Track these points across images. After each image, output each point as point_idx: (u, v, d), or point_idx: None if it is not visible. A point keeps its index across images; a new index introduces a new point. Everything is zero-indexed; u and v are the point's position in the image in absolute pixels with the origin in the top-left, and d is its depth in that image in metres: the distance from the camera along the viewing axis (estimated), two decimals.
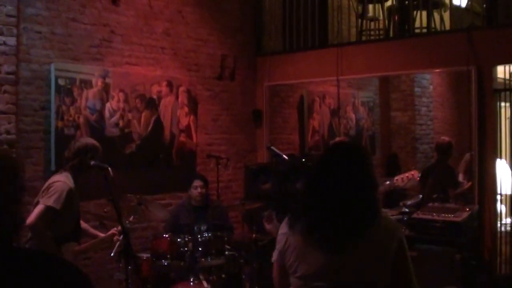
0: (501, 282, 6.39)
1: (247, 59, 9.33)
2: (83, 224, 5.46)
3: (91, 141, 5.25)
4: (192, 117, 8.27)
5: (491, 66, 7.16)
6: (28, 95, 6.54)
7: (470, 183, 7.67)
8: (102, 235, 5.49)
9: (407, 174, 6.25)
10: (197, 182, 7.00)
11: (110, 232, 5.46)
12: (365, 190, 2.71)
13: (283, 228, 2.92)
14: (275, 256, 2.92)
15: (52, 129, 6.65)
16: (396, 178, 6.22)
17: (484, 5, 7.72)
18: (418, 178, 7.13)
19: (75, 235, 5.15)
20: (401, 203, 7.48)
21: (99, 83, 7.11)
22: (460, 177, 8.68)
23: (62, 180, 4.97)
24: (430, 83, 12.17)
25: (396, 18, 8.53)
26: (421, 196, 7.82)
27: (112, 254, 5.42)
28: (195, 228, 6.60)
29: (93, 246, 5.50)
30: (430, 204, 6.98)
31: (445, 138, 8.60)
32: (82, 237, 5.30)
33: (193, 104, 8.30)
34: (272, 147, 6.94)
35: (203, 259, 5.98)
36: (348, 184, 2.69)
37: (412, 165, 10.70)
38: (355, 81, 11.01)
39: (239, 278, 6.56)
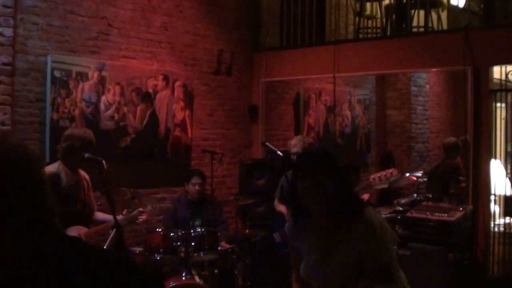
0: (493, 284, 6.40)
1: (244, 55, 9.32)
2: (100, 215, 5.62)
3: (74, 131, 5.37)
4: (187, 111, 8.26)
5: (487, 66, 7.17)
6: (24, 86, 6.52)
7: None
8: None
9: (384, 173, 6.19)
10: (196, 179, 7.00)
11: (133, 213, 5.58)
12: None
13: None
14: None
15: (47, 121, 6.64)
16: (372, 176, 6.18)
17: (482, 5, 7.72)
18: (416, 177, 7.16)
19: (77, 220, 5.19)
20: (395, 202, 7.49)
21: (95, 76, 7.10)
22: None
23: (45, 168, 5.08)
24: (427, 82, 12.18)
25: (394, 16, 8.54)
26: (415, 195, 7.84)
27: (105, 248, 5.42)
28: (191, 223, 6.62)
29: (105, 228, 5.47)
30: (424, 203, 6.99)
31: (452, 138, 8.82)
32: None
33: (189, 99, 8.29)
34: (267, 143, 6.94)
35: (195, 254, 5.98)
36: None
37: (408, 164, 10.74)
38: (352, 79, 11.01)
39: (232, 274, 6.57)
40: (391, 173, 6.11)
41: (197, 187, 6.96)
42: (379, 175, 6.07)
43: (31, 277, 1.62)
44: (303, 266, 3.20)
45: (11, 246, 1.61)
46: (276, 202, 6.78)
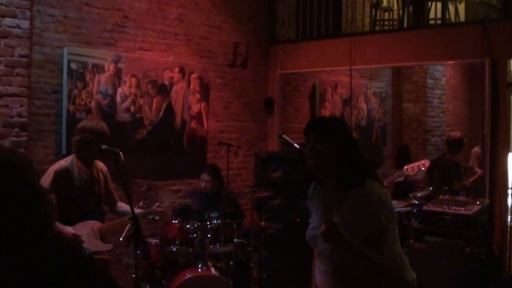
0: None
1: (259, 47, 9.30)
2: (122, 206, 5.54)
3: (87, 124, 5.27)
4: (203, 104, 8.26)
5: (505, 59, 7.10)
6: (41, 78, 6.55)
7: (479, 173, 7.63)
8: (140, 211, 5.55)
9: (417, 163, 6.20)
10: (204, 176, 6.94)
11: (151, 209, 5.56)
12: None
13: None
14: None
15: (64, 112, 6.66)
16: (406, 167, 6.19)
17: None
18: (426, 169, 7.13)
19: (91, 216, 5.18)
20: (411, 195, 7.46)
21: (112, 68, 7.11)
22: (477, 170, 8.71)
23: (57, 162, 5.15)
24: (443, 75, 12.12)
25: (411, 8, 8.48)
26: (431, 188, 7.81)
27: (121, 239, 5.44)
28: (205, 215, 6.61)
29: (120, 223, 5.42)
30: (441, 197, 6.96)
31: (457, 133, 8.67)
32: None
33: (205, 91, 8.29)
34: (284, 136, 6.92)
35: (211, 246, 5.99)
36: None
37: (423, 157, 10.68)
38: (368, 71, 10.97)
39: (247, 266, 6.57)
40: (424, 164, 6.13)
41: (204, 184, 6.92)
42: (412, 165, 6.11)
43: None
44: (308, 228, 3.31)
45: None
46: None
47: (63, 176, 5.03)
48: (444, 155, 8.63)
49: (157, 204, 5.68)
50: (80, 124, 5.31)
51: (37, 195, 1.64)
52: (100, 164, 5.41)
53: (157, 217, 5.64)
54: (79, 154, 5.18)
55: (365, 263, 2.99)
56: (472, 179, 8.31)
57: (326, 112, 10.20)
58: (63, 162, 5.16)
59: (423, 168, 6.27)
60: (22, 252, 1.59)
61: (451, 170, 8.16)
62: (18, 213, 1.58)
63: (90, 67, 6.90)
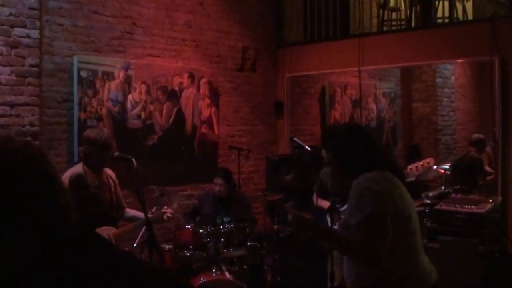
0: None
1: (268, 51, 9.32)
2: (130, 211, 5.53)
3: (89, 133, 5.23)
4: (213, 108, 8.28)
5: None
6: (51, 87, 6.59)
7: (493, 176, 7.66)
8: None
9: (421, 162, 6.18)
10: (217, 180, 6.93)
11: (159, 212, 5.55)
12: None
13: None
14: None
15: (75, 120, 6.70)
16: (410, 167, 6.17)
17: None
18: (444, 170, 7.14)
19: (105, 221, 5.18)
20: (423, 195, 7.45)
21: (121, 75, 7.14)
22: (488, 170, 8.83)
23: (69, 169, 5.17)
24: (452, 74, 12.10)
25: (418, 8, 8.48)
26: (443, 187, 7.79)
27: (135, 245, 5.46)
28: (217, 219, 6.61)
29: (134, 227, 5.44)
30: (453, 196, 6.94)
31: (480, 135, 9.03)
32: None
33: (214, 96, 8.31)
34: (295, 138, 6.93)
35: (225, 250, 5.99)
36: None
37: (435, 156, 10.67)
38: (377, 72, 10.97)
39: (261, 269, 6.57)
40: (428, 162, 6.10)
41: (218, 188, 6.92)
42: (416, 165, 6.07)
43: (40, 280, 1.54)
44: None
45: (21, 248, 1.56)
46: (314, 197, 6.78)
47: (77, 181, 5.03)
48: (468, 152, 8.78)
49: (165, 207, 5.66)
50: (84, 134, 5.30)
51: (53, 183, 1.64)
52: (109, 171, 5.39)
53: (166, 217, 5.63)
54: (86, 163, 5.18)
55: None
56: (491, 177, 8.37)
57: (336, 114, 10.21)
58: (76, 169, 5.16)
59: (427, 167, 6.27)
60: (40, 238, 1.58)
61: (474, 167, 8.29)
62: (33, 199, 1.57)
63: (100, 74, 6.94)
